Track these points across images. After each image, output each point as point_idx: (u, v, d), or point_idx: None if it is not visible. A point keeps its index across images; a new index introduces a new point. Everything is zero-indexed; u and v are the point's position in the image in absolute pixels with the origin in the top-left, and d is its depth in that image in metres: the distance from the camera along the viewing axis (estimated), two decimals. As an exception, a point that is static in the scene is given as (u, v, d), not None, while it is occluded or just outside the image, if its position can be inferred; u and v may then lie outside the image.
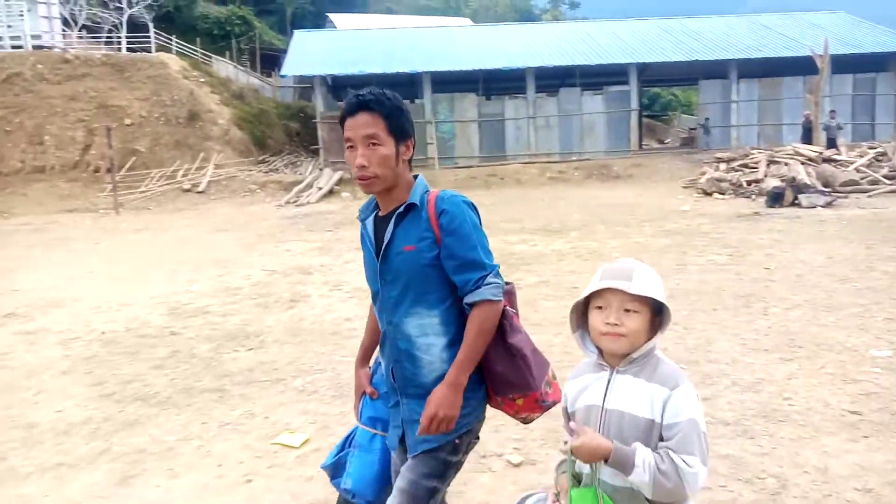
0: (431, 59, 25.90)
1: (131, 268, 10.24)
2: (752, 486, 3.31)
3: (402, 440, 2.12)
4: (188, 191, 20.95)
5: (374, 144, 1.98)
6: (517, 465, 3.63)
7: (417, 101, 26.31)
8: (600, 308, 1.72)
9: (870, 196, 14.76)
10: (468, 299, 1.99)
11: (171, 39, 30.14)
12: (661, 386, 1.66)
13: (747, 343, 5.38)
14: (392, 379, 2.13)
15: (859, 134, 24.93)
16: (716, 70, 26.58)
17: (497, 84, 29.24)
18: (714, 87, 26.49)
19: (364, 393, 2.30)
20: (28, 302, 8.11)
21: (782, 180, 14.96)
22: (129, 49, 28.85)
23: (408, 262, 2.02)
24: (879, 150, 18.31)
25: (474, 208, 2.08)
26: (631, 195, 17.40)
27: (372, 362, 2.36)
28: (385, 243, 2.06)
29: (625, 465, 1.62)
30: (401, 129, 2.02)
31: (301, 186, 20.63)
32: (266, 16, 44.19)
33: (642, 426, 1.65)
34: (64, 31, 28.50)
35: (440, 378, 2.01)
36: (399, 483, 2.03)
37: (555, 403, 2.10)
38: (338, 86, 28.17)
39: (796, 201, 13.76)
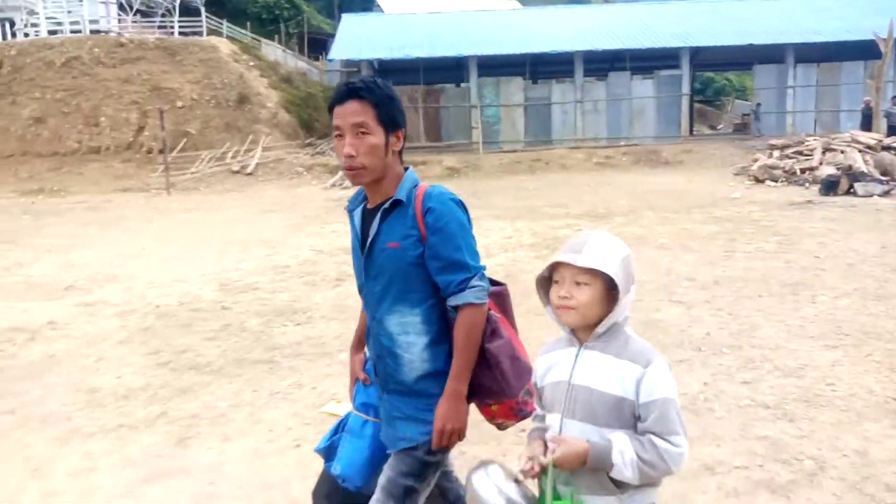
0: (478, 43, 25.80)
1: (183, 246, 10.58)
2: (789, 466, 3.33)
3: None
4: (237, 172, 21.40)
5: (362, 133, 1.93)
6: (555, 441, 3.70)
7: (463, 84, 26.32)
8: (556, 282, 1.70)
9: (930, 185, 14.24)
10: (451, 301, 1.95)
11: (221, 23, 30.68)
12: (632, 363, 1.61)
13: (792, 330, 5.33)
14: (374, 374, 2.13)
15: (922, 121, 24.00)
16: (772, 54, 25.84)
17: (544, 68, 29.00)
18: (769, 71, 25.76)
19: (358, 379, 2.29)
20: (86, 276, 8.47)
21: (838, 168, 14.55)
22: (181, 33, 29.49)
23: (391, 259, 1.98)
24: (942, 137, 17.61)
25: (463, 207, 2.03)
26: (680, 181, 17.15)
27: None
28: (370, 238, 2.02)
29: (603, 464, 1.59)
30: (391, 118, 1.97)
31: (347, 169, 20.86)
32: (314, 0, 44.56)
33: (611, 403, 1.61)
34: (119, 15, 29.30)
35: (421, 377, 2.00)
36: (380, 480, 2.05)
37: (532, 413, 1.98)
38: (384, 70, 28.31)
39: (852, 190, 13.38)
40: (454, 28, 27.76)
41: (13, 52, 24.70)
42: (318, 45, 37.51)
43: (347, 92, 1.95)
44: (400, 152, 2.04)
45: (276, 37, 33.72)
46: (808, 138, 19.38)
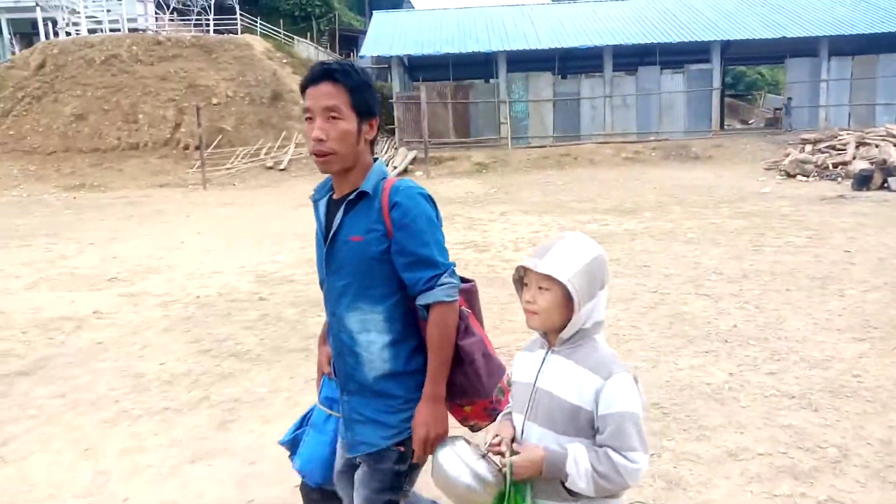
0: (507, 38, 25.82)
1: (220, 239, 10.86)
2: (813, 454, 3.40)
3: None
4: (270, 168, 21.76)
5: (333, 118, 1.83)
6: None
7: (492, 80, 26.33)
8: (526, 284, 1.68)
9: (968, 180, 13.98)
10: (420, 300, 1.86)
11: (255, 21, 31.13)
12: (592, 373, 1.57)
13: (819, 322, 5.37)
14: (335, 371, 2.05)
15: (962, 115, 23.45)
16: (805, 47, 25.43)
17: (574, 63, 28.88)
18: (802, 65, 25.36)
19: (324, 373, 2.23)
20: (128, 268, 8.77)
21: (871, 162, 14.36)
22: (216, 31, 30.00)
23: (353, 253, 1.88)
24: (982, 131, 17.25)
25: (432, 202, 1.94)
26: (710, 176, 17.04)
27: None
28: (333, 230, 1.93)
29: (559, 473, 1.57)
30: (365, 105, 1.88)
31: (377, 165, 21.08)
32: (345, -3, 44.90)
33: (568, 410, 1.59)
34: (157, 14, 29.92)
35: (381, 377, 1.92)
36: (356, 498, 1.99)
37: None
38: (414, 66, 28.48)
39: (885, 184, 13.20)
40: (484, 23, 27.81)
41: (55, 51, 25.37)
42: (349, 42, 37.83)
43: (322, 73, 1.85)
44: (372, 142, 1.96)
45: (308, 34, 34.10)
46: (842, 132, 19.09)
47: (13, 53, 28.27)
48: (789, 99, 25.09)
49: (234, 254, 9.54)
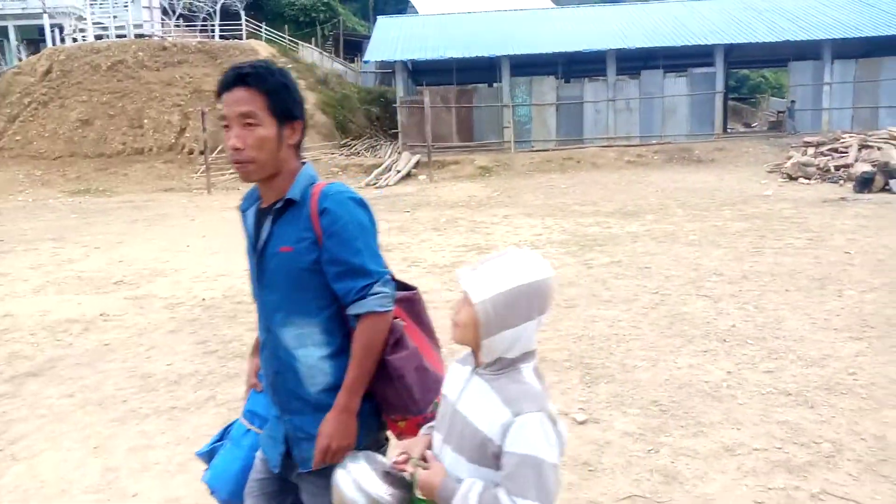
0: (511, 43, 25.93)
1: (224, 242, 10.94)
2: (807, 449, 3.47)
3: (286, 455, 1.89)
4: (275, 172, 21.84)
5: (250, 124, 1.74)
6: (582, 423, 3.90)
7: (496, 84, 26.44)
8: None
9: (970, 182, 14.01)
10: (351, 310, 1.77)
11: (260, 26, 31.33)
12: (504, 406, 1.44)
13: (817, 322, 5.43)
14: (272, 392, 1.91)
15: (966, 117, 23.44)
16: (808, 50, 25.48)
17: (577, 67, 28.99)
18: (805, 68, 25.39)
19: (252, 385, 2.13)
20: (134, 271, 8.87)
21: (873, 165, 14.39)
22: (221, 36, 30.20)
23: (284, 265, 1.79)
24: (985, 133, 17.26)
25: (364, 206, 1.83)
26: (712, 179, 17.09)
27: None
28: (262, 241, 1.83)
29: None
30: (285, 109, 1.78)
31: (380, 169, 21.22)
32: (350, 2, 45.13)
33: (477, 441, 1.47)
34: (163, 20, 30.15)
35: (324, 391, 1.81)
36: None
37: None
38: (418, 71, 28.62)
39: (887, 187, 13.24)
40: (487, 28, 27.94)
41: (62, 57, 25.58)
42: (353, 47, 38.03)
43: (234, 77, 1.75)
44: (297, 146, 1.85)
45: (313, 39, 34.30)
46: (844, 135, 19.12)
47: (20, 59, 28.50)
48: (792, 102, 25.14)
49: (239, 256, 9.59)
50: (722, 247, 8.65)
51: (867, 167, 14.37)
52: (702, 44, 25.08)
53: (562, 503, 3.14)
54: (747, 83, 46.44)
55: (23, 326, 6.44)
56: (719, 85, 25.40)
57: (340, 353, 1.82)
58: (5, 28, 29.84)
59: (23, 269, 9.26)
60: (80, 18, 28.68)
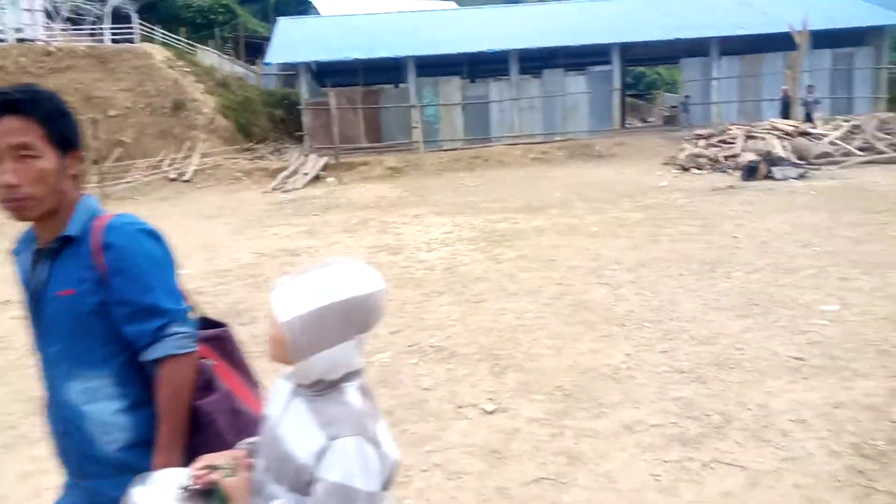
0: (415, 44, 26.04)
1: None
2: (699, 422, 3.68)
3: None
4: (174, 180, 21.08)
5: (27, 156, 1.54)
6: (491, 413, 3.98)
7: (402, 85, 26.51)
8: None
9: (841, 167, 15.16)
10: (146, 355, 1.58)
11: (154, 29, 30.12)
12: (320, 430, 1.30)
13: (708, 303, 5.75)
14: (62, 455, 1.69)
15: (838, 108, 25.33)
16: (698, 48, 26.87)
17: (481, 67, 29.43)
18: (695, 64, 26.82)
19: None
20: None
21: (758, 154, 15.32)
22: (112, 40, 28.82)
23: (64, 310, 1.59)
24: (854, 123, 18.70)
25: (156, 237, 1.66)
26: (612, 173, 17.74)
27: None
28: (40, 286, 1.62)
29: None
30: (65, 137, 1.60)
31: (287, 173, 20.82)
32: (249, 3, 44.08)
33: (293, 469, 1.32)
34: (47, 23, 28.46)
35: (123, 449, 1.61)
36: None
37: None
38: (322, 72, 28.28)
39: (770, 174, 14.13)
40: (391, 29, 27.94)
41: (-68, 64, 23.77)
42: (254, 49, 37.13)
43: (3, 105, 1.53)
44: (77, 177, 1.65)
45: (212, 42, 33.29)
46: (732, 127, 20.27)
47: None
48: (687, 97, 26.46)
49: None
50: (621, 237, 9.01)
51: (752, 156, 15.28)
52: (599, 43, 26.00)
53: (470, 491, 3.21)
54: (643, 80, 48.41)
55: None
56: (616, 82, 26.39)
57: (140, 405, 1.62)
58: None
59: None
60: (-47, 22, 26.72)
